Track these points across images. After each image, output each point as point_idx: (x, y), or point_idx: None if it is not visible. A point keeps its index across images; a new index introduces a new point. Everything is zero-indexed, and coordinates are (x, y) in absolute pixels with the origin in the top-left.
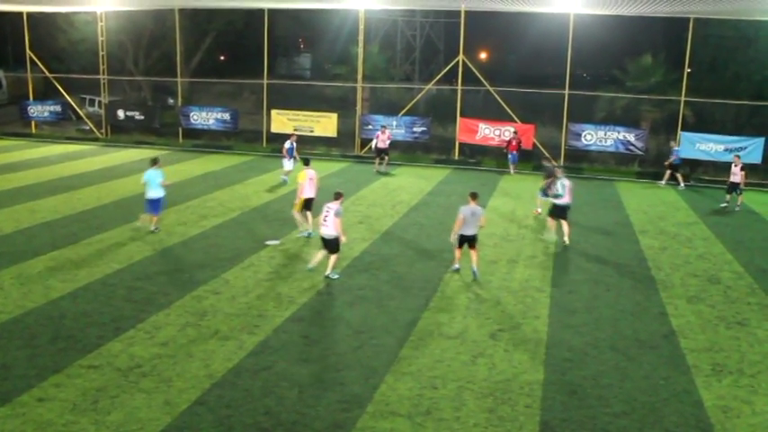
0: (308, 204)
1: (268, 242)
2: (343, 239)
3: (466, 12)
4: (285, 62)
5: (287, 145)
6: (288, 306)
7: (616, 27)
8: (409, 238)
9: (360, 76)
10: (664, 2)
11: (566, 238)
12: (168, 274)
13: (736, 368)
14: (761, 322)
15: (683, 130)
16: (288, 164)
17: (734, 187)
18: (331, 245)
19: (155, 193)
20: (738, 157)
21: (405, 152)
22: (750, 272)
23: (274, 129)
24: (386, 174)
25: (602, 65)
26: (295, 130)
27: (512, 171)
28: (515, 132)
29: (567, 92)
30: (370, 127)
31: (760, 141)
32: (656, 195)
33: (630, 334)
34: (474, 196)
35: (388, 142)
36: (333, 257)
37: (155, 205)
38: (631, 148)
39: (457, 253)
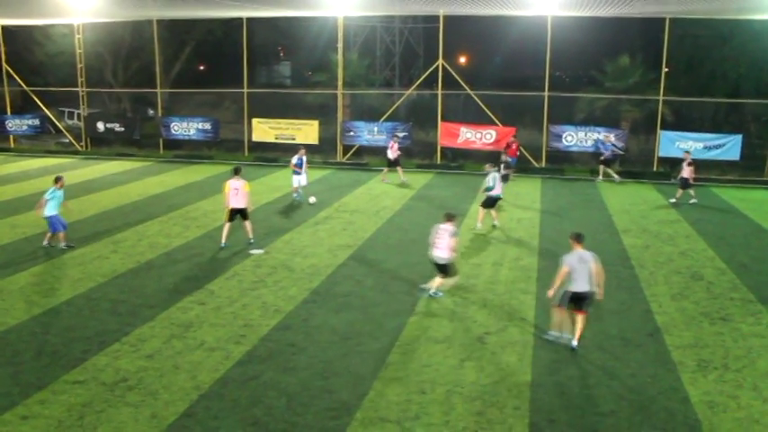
0: (241, 214)
1: (252, 251)
2: (453, 258)
3: (445, 16)
4: (265, 71)
5: (294, 160)
6: (274, 315)
7: (594, 29)
8: (393, 244)
9: (340, 83)
10: (639, 2)
11: (495, 222)
12: (152, 286)
13: (721, 363)
14: (744, 317)
15: (662, 128)
16: (297, 179)
17: (684, 183)
18: (444, 269)
19: (50, 211)
20: (689, 153)
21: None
22: (732, 267)
23: (256, 138)
24: (406, 185)
25: (581, 66)
26: (276, 138)
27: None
28: (514, 137)
29: (546, 93)
30: (351, 133)
31: (737, 138)
32: (637, 194)
33: (616, 333)
34: (578, 239)
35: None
36: (445, 280)
37: (51, 222)
38: (612, 148)
39: (558, 315)
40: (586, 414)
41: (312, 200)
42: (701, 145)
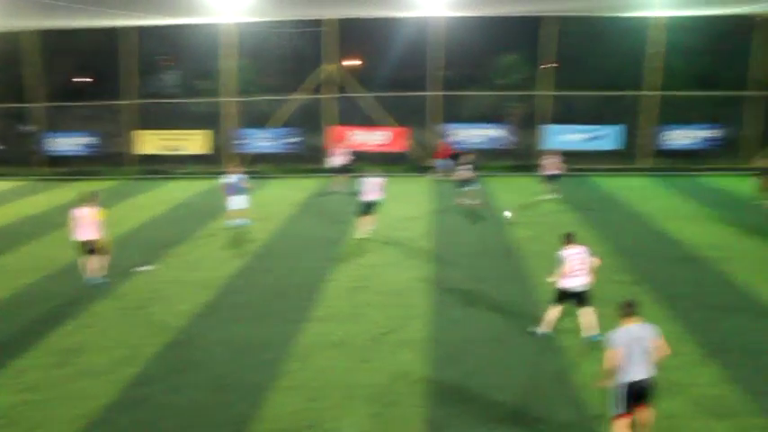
0: (91, 247)
1: (139, 269)
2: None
3: (334, 20)
4: (152, 80)
5: (228, 179)
6: (164, 332)
7: (481, 27)
8: (284, 251)
9: (228, 90)
10: (519, 2)
11: (370, 227)
12: (32, 312)
13: (604, 345)
14: (625, 298)
15: (546, 123)
16: (234, 202)
17: (552, 178)
18: (585, 297)
19: None
20: (552, 150)
21: (278, 164)
22: (613, 252)
23: (143, 150)
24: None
25: (470, 64)
26: (164, 149)
27: (439, 177)
28: (445, 139)
29: (431, 93)
30: (243, 141)
31: (617, 129)
32: (527, 187)
33: (506, 324)
34: (629, 310)
35: (343, 160)
36: (590, 312)
37: None
38: (501, 144)
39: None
40: (481, 405)
41: (237, 222)
42: (583, 136)
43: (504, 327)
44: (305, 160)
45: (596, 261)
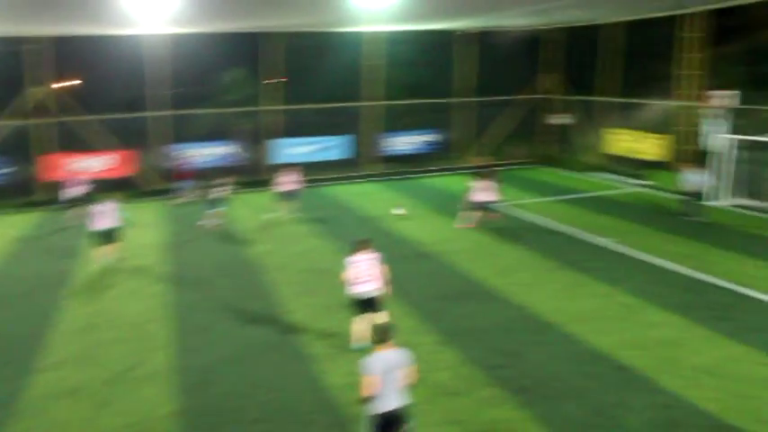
0: None
1: None
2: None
3: (50, 38)
4: None
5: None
6: None
7: (206, 44)
8: (4, 296)
9: None
10: (242, 18)
11: (110, 258)
12: None
13: (346, 347)
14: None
15: (277, 137)
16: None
17: (289, 194)
18: (374, 302)
19: None
20: (289, 165)
21: None
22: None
23: None
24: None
25: (196, 82)
26: None
27: (181, 199)
28: (181, 160)
29: (155, 114)
30: None
31: (344, 139)
32: (255, 201)
33: (254, 340)
34: (384, 336)
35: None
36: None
37: None
38: (229, 161)
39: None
40: (238, 427)
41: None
42: (312, 148)
43: (251, 344)
44: (19, 193)
45: (386, 268)
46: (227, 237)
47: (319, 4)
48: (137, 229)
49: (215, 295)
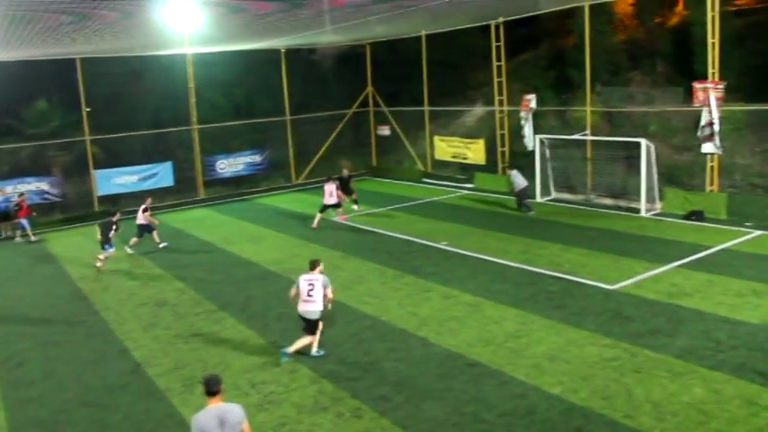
0: None
1: None
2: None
3: None
4: None
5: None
6: None
7: (13, 74)
8: None
9: None
10: (39, 46)
11: None
12: None
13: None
14: (212, 326)
15: (94, 168)
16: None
17: (144, 229)
18: (315, 324)
19: None
20: (146, 198)
21: None
22: (190, 285)
23: None
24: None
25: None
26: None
27: (17, 238)
28: (21, 195)
29: None
30: None
31: (168, 165)
32: (84, 237)
33: (98, 383)
34: (214, 388)
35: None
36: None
37: None
38: (47, 196)
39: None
40: None
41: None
42: (135, 177)
43: (93, 386)
44: None
45: (329, 293)
46: (54, 274)
47: (131, 28)
48: None
49: (54, 340)
